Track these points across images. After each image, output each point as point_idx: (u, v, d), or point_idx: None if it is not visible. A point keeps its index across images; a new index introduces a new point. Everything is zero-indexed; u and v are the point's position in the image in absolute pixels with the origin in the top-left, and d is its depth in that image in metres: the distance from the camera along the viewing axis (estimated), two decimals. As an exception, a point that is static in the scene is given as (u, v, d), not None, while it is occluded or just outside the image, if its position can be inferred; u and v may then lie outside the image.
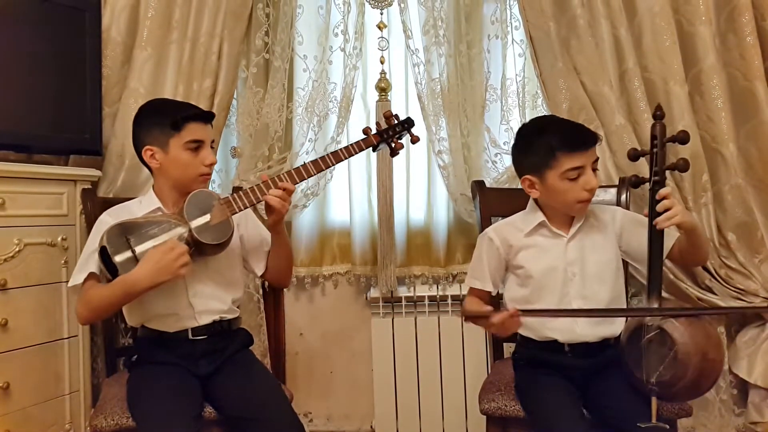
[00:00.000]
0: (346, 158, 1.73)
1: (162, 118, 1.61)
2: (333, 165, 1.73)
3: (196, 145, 1.61)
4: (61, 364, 1.87)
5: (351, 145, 1.73)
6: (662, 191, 1.45)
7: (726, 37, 2.11)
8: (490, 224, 1.86)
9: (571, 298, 1.58)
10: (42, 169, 1.86)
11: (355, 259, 2.39)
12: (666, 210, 1.43)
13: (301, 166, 1.68)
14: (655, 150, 1.49)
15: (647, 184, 1.49)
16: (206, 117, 1.66)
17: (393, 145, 1.79)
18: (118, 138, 2.07)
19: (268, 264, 1.77)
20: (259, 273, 1.78)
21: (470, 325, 1.55)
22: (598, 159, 1.57)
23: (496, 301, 1.88)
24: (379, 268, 2.33)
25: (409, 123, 1.81)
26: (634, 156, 1.56)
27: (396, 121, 1.78)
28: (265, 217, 1.68)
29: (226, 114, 2.23)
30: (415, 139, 1.83)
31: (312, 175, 1.69)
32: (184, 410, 1.48)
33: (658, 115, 1.51)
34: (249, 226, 1.77)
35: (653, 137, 1.49)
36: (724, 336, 2.15)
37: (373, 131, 1.77)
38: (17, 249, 1.75)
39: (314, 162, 1.69)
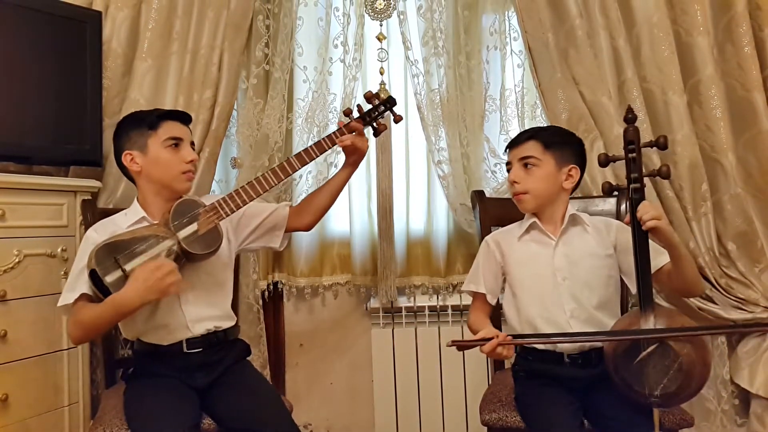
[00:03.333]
0: (329, 147, 1.73)
1: (138, 122, 1.64)
2: (318, 155, 1.72)
3: (175, 142, 1.62)
4: (61, 375, 1.86)
5: (334, 132, 1.72)
6: (643, 204, 1.43)
7: (724, 48, 2.11)
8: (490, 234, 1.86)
9: (563, 302, 1.58)
10: (42, 180, 1.86)
11: (355, 269, 2.39)
12: (646, 212, 1.42)
13: (285, 161, 1.68)
14: (631, 155, 1.47)
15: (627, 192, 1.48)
16: (182, 117, 1.67)
17: (376, 125, 1.79)
18: (119, 149, 2.07)
19: (312, 207, 1.80)
20: (277, 244, 1.81)
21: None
22: (530, 156, 1.60)
23: (496, 311, 1.89)
24: (379, 279, 2.33)
25: (390, 102, 1.80)
26: (604, 161, 1.54)
27: (378, 101, 1.77)
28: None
29: (227, 125, 2.23)
30: (397, 119, 1.83)
31: (296, 170, 1.69)
32: (180, 422, 1.46)
33: (630, 118, 1.49)
34: (253, 217, 1.77)
35: (629, 142, 1.47)
36: (725, 346, 2.15)
37: (355, 114, 1.76)
38: (17, 260, 1.75)
39: (297, 155, 1.69)
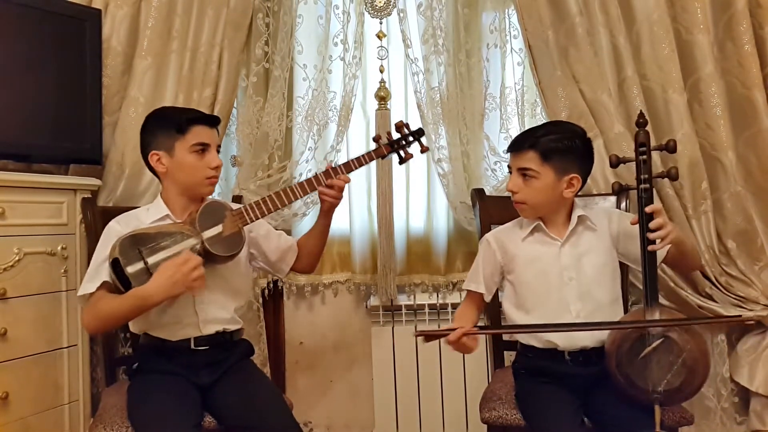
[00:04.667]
0: (356, 168, 1.74)
1: (167, 122, 1.63)
2: (345, 173, 1.72)
3: (202, 148, 1.62)
4: (61, 373, 1.86)
5: (362, 155, 1.74)
6: (651, 208, 1.45)
7: (724, 45, 2.11)
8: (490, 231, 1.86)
9: (569, 302, 1.58)
10: (42, 179, 1.86)
11: (355, 267, 2.39)
12: (658, 228, 1.43)
13: (313, 177, 1.70)
14: (642, 158, 1.49)
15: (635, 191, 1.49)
16: (211, 121, 1.67)
17: (403, 154, 1.80)
18: (118, 147, 2.07)
19: (304, 252, 1.81)
20: (283, 275, 1.86)
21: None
22: (528, 168, 1.57)
23: (494, 308, 1.89)
24: (379, 277, 2.33)
25: (419, 133, 1.82)
26: (616, 162, 1.55)
27: (407, 131, 1.79)
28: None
29: (226, 123, 2.24)
30: (424, 149, 1.84)
31: (323, 185, 1.69)
32: (183, 419, 1.47)
33: (641, 122, 1.52)
34: (271, 239, 1.79)
35: (640, 144, 1.49)
36: (725, 344, 2.15)
37: (384, 141, 1.78)
38: (17, 258, 1.75)
39: (325, 171, 1.70)
